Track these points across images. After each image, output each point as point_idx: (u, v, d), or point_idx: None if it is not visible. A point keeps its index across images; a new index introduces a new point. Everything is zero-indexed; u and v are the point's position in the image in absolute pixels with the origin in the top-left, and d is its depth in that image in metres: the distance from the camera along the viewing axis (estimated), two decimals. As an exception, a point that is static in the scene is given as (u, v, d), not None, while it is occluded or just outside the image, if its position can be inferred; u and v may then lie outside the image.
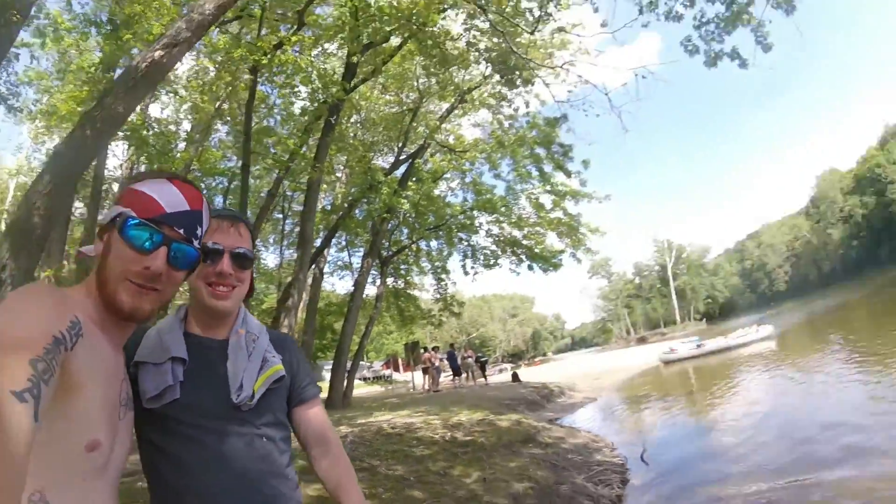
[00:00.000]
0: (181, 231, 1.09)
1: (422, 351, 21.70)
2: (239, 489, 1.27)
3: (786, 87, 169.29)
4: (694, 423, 10.74)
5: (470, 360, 23.81)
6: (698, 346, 26.00)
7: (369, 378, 38.74)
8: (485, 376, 24.79)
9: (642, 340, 67.45)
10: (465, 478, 6.10)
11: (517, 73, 10.04)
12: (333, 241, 15.29)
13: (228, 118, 11.40)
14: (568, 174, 15.42)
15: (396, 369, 45.81)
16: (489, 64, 10.51)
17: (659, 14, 7.63)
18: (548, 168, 15.54)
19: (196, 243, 1.13)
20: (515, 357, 76.35)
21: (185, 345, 1.33)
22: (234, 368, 1.35)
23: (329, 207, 14.92)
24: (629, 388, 19.14)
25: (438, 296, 19.36)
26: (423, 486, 5.50)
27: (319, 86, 8.60)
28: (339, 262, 18.51)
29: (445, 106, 14.47)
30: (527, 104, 12.52)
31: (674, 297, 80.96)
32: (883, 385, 9.28)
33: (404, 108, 13.91)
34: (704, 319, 79.16)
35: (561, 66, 11.01)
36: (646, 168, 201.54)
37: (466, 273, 17.79)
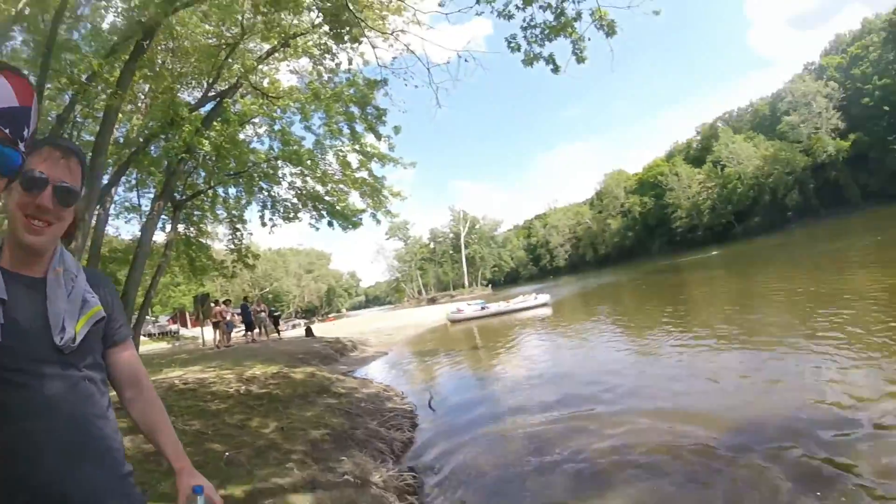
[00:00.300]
0: (7, 131, 0.98)
1: (212, 304, 20.64)
2: (66, 432, 1.26)
3: (592, 91, 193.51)
4: (476, 374, 11.90)
5: (263, 314, 23.43)
6: (483, 308, 28.60)
7: (154, 334, 35.80)
8: (278, 331, 24.81)
9: (433, 301, 72.39)
10: (263, 428, 6.27)
11: (347, 28, 9.93)
12: (122, 179, 13.63)
13: (28, 25, 9.39)
14: (378, 137, 15.51)
15: (184, 324, 42.77)
16: (321, 14, 10.22)
17: (494, 8, 8.09)
18: (360, 128, 15.53)
19: (21, 146, 1.02)
20: (309, 313, 76.31)
21: (3, 282, 1.26)
22: (54, 309, 1.32)
23: (122, 140, 13.22)
24: (419, 344, 20.60)
25: (233, 246, 18.41)
26: (221, 439, 5.57)
27: (139, 2, 7.55)
28: (126, 204, 16.51)
29: (266, 47, 13.64)
30: (350, 61, 12.44)
31: (464, 263, 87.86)
32: (638, 351, 11.21)
33: (222, 41, 12.81)
34: (490, 285, 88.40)
35: (391, 33, 11.12)
36: (457, 143, 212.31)
37: (264, 224, 17.10)
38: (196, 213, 17.33)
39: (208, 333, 21.99)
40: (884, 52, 44.67)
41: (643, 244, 74.07)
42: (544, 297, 27.66)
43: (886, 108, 44.33)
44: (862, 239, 25.77)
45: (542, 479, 5.00)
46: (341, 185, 16.50)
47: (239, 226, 17.98)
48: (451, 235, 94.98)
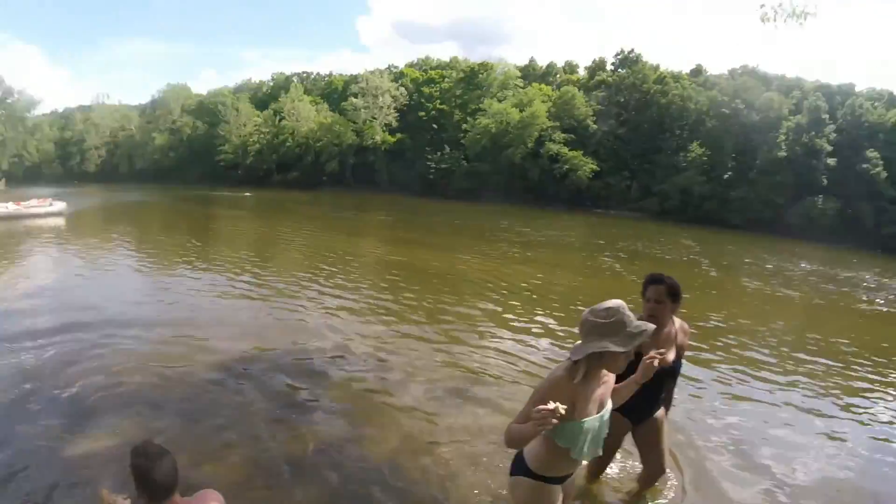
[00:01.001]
0: None
1: None
2: None
3: None
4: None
5: None
6: None
7: None
8: None
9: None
10: None
11: None
12: None
13: None
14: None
15: None
16: None
17: None
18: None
19: None
20: None
21: None
22: None
23: None
24: None
25: None
26: None
27: None
28: None
29: None
30: None
31: (-16, 145, 64.98)
32: (149, 278, 11.86)
33: None
34: (5, 180, 68.53)
35: None
36: None
37: None
38: None
39: None
40: (454, 87, 58.89)
41: (182, 169, 70.83)
42: (60, 205, 25.79)
43: (434, 126, 58.40)
44: (374, 215, 32.12)
45: (32, 419, 4.76)
46: None
47: None
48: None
